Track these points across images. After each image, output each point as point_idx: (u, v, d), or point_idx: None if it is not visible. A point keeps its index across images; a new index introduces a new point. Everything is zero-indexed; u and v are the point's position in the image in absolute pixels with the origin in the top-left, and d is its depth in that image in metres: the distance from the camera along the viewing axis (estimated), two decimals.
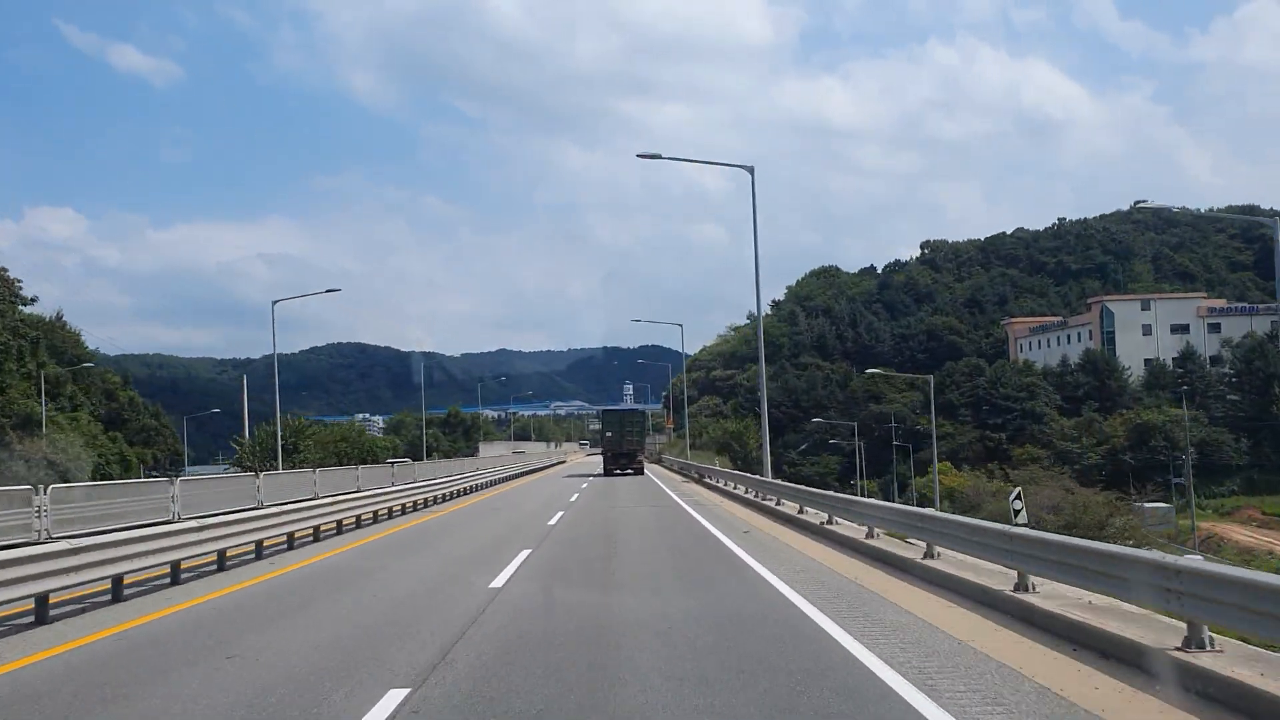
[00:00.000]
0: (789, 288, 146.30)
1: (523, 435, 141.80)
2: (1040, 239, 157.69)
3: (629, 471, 53.12)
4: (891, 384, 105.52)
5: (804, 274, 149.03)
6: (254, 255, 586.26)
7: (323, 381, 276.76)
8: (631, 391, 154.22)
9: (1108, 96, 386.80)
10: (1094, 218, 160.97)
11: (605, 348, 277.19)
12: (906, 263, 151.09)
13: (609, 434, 56.13)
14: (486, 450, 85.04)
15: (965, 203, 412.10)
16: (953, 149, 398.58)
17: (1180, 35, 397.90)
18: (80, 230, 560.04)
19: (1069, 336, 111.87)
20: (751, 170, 26.29)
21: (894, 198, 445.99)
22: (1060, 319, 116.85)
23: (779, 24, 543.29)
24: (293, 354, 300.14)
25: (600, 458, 56.73)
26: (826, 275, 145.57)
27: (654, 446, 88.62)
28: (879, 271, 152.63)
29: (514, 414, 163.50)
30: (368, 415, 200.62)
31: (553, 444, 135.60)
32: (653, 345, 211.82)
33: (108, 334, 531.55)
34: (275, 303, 34.61)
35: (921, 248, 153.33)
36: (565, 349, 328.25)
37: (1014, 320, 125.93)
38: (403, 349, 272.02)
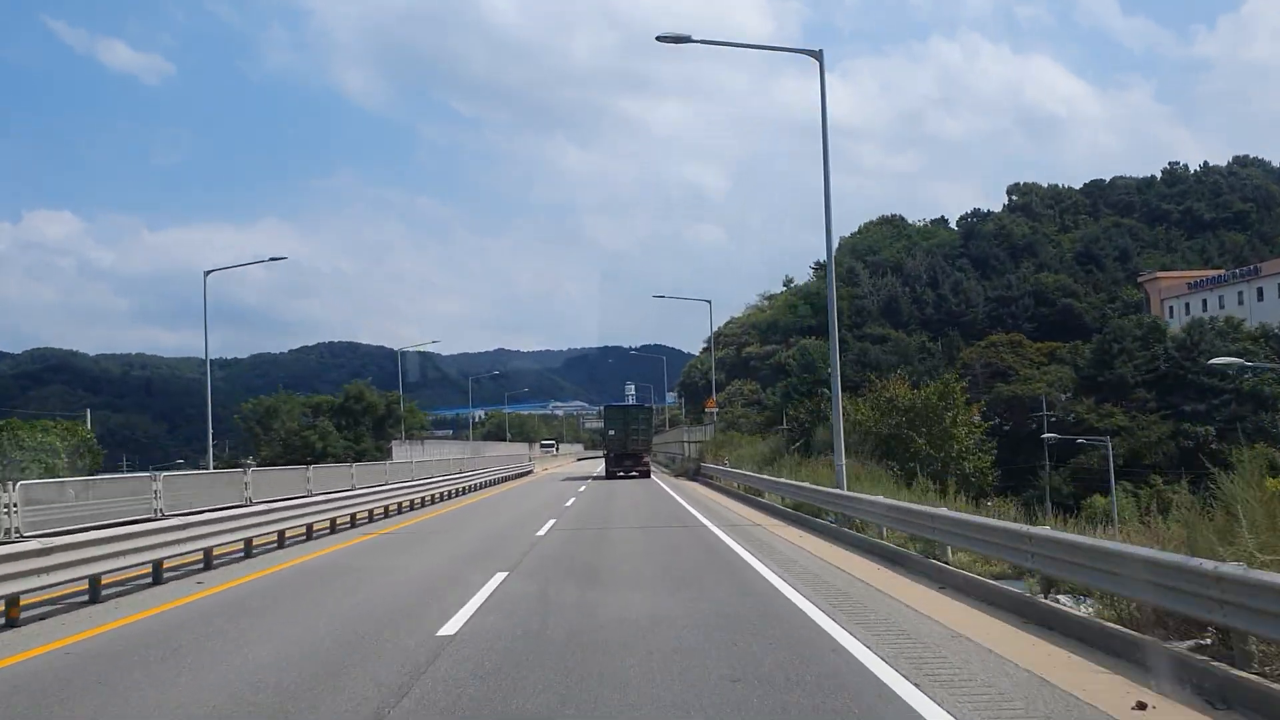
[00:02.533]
0: (845, 238, 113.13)
1: (497, 434, 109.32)
2: (1153, 186, 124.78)
3: (634, 474, 45.63)
4: (1021, 355, 72.38)
5: (864, 223, 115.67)
6: (249, 257, 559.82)
7: (311, 381, 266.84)
8: (633, 391, 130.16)
9: (1110, 94, 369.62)
10: (1216, 164, 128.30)
11: (604, 347, 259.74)
12: (989, 213, 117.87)
13: (612, 432, 47.71)
14: (410, 454, 52.34)
15: (962, 202, 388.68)
16: (953, 147, 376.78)
17: (1185, 32, 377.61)
18: (76, 231, 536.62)
19: (1260, 291, 78.45)
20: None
21: (895, 197, 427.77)
22: (1249, 268, 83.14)
23: (780, 19, 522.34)
24: (281, 353, 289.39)
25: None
26: (892, 225, 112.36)
27: (681, 451, 55.94)
28: (951, 224, 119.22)
29: (492, 412, 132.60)
30: None
31: (538, 445, 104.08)
32: (654, 344, 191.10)
33: (106, 336, 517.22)
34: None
35: (1009, 193, 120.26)
36: (564, 348, 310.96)
37: (1161, 275, 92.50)
38: (394, 347, 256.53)
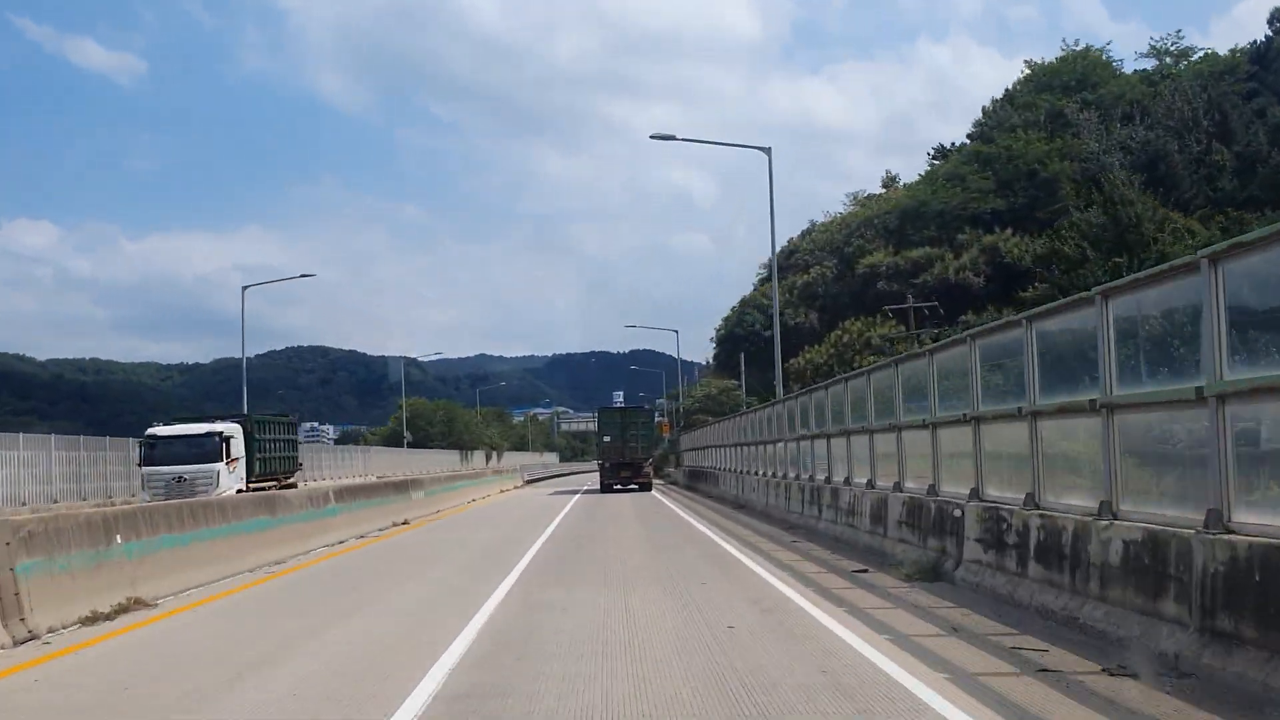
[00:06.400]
0: (1028, 66, 63.79)
1: (396, 440, 60.97)
2: None
3: (632, 486, 38.82)
4: None
5: (1046, 59, 64.66)
6: (231, 266, 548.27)
7: (277, 385, 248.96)
8: (622, 398, 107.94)
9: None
10: None
11: (591, 352, 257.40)
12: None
13: (607, 439, 40.84)
14: None
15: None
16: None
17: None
18: (53, 240, 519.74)
19: None
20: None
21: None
22: None
23: (768, 18, 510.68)
24: (248, 358, 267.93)
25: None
26: (1089, 60, 62.18)
27: None
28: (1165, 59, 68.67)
29: (413, 400, 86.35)
30: (317, 425, 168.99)
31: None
32: (644, 350, 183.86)
33: (83, 346, 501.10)
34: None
35: (1273, 22, 70.56)
36: (549, 354, 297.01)
37: None
38: (370, 353, 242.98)
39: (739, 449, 26.93)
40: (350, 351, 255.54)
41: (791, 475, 18.28)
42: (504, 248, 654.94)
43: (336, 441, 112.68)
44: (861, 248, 52.27)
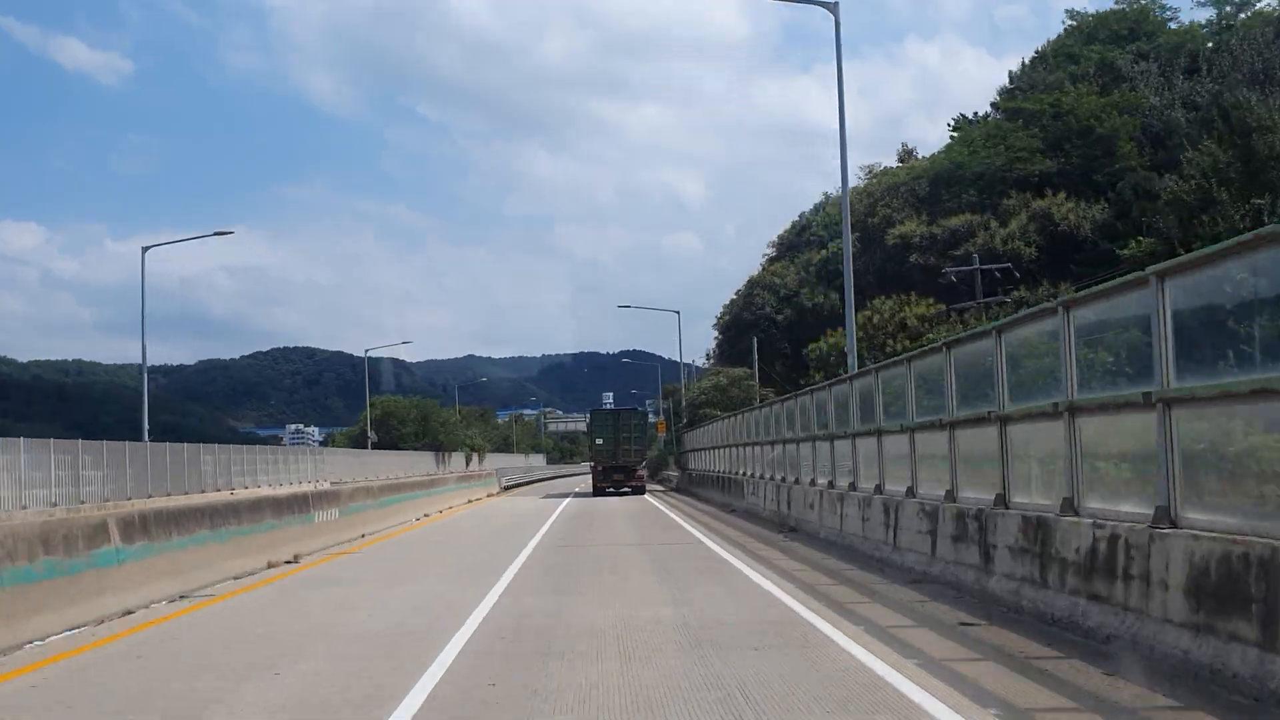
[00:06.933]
0: (1070, 17, 57.18)
1: (361, 441, 54.34)
2: None
3: (625, 490, 37.98)
4: None
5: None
6: (217, 267, 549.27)
7: (262, 389, 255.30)
8: (612, 399, 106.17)
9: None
10: None
11: (581, 353, 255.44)
12: None
13: (600, 441, 40.51)
14: None
15: None
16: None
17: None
18: (39, 241, 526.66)
19: None
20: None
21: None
22: None
23: (757, 21, 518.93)
24: (231, 360, 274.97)
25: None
26: (1140, 10, 55.39)
27: None
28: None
29: (387, 399, 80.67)
30: (301, 426, 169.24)
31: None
32: (635, 349, 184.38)
33: (70, 348, 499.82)
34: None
35: None
36: (538, 354, 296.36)
37: None
38: (358, 354, 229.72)
39: (777, 448, 20.06)
40: (337, 352, 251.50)
41: (899, 490, 11.35)
42: (493, 249, 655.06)
43: (321, 444, 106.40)
44: (888, 218, 45.45)
